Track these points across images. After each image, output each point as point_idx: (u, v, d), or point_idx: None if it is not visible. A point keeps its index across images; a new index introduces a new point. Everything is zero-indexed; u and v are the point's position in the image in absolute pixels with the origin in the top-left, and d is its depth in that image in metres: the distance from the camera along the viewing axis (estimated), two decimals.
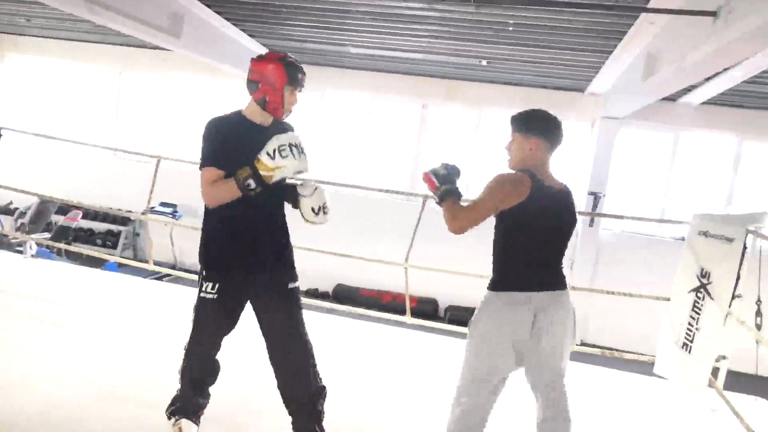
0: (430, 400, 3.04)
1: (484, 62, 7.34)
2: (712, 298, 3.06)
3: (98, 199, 7.25)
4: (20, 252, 5.09)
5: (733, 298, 3.05)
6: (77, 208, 8.14)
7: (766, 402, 3.63)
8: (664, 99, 7.51)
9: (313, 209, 2.23)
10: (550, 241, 2.08)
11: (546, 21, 5.47)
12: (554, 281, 2.07)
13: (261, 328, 2.24)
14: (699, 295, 3.14)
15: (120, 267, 7.00)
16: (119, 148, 6.94)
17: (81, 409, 2.52)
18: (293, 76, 2.13)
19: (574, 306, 2.12)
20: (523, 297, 2.00)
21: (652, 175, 8.64)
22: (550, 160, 2.14)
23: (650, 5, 4.55)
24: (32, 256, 4.77)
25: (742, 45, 3.76)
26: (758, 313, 3.55)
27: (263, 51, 8.64)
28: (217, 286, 2.15)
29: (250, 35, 7.79)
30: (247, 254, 2.17)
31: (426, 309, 8.45)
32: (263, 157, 2.02)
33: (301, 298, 2.32)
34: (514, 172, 2.08)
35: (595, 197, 8.33)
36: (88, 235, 9.69)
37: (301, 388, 2.23)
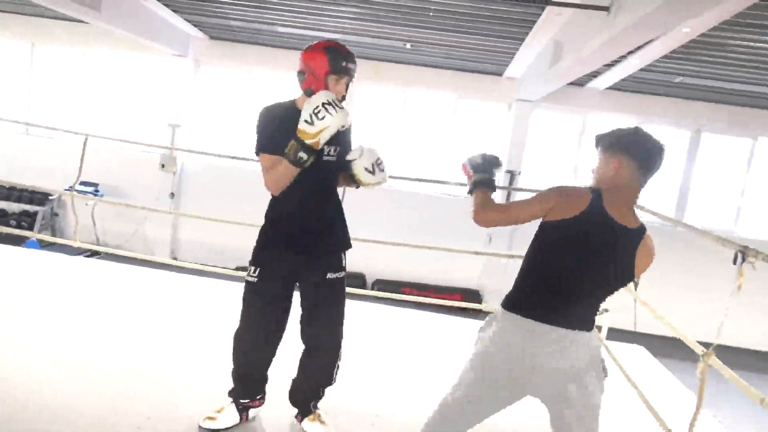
0: (365, 363, 3.34)
1: (408, 45, 7.63)
2: None
3: (10, 179, 6.99)
4: None
5: None
6: None
7: (643, 348, 4.23)
8: (573, 84, 8.15)
9: (366, 169, 2.18)
10: (584, 277, 1.71)
11: (463, 8, 5.82)
12: (572, 320, 1.71)
13: (301, 313, 2.32)
14: None
15: (43, 246, 6.82)
16: (36, 124, 6.70)
17: (30, 380, 2.61)
18: (336, 64, 2.08)
19: (595, 352, 1.75)
20: (525, 324, 1.71)
21: (563, 154, 9.31)
22: (639, 191, 1.76)
23: None
24: None
25: (630, 34, 4.25)
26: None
27: (188, 27, 8.60)
28: (258, 270, 2.22)
29: (174, 10, 7.67)
30: (291, 240, 2.21)
31: (354, 283, 8.78)
32: (302, 125, 2.00)
33: (344, 289, 2.33)
34: (579, 186, 1.77)
35: (512, 175, 8.91)
36: (1, 216, 9.25)
37: (317, 377, 2.33)
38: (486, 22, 6.18)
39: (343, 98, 2.16)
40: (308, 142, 2.00)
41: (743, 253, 2.05)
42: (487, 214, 1.81)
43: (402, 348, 3.62)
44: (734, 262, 2.08)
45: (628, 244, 1.70)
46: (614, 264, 1.70)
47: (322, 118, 1.97)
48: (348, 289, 2.39)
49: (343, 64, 2.09)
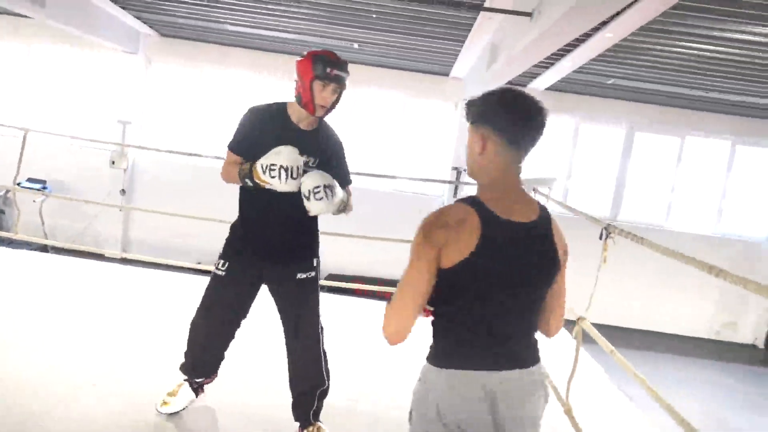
0: None
1: (355, 45, 7.88)
2: None
3: None
4: None
5: None
6: None
7: (564, 329, 4.57)
8: (515, 84, 8.53)
9: (304, 195, 2.10)
10: (515, 305, 1.41)
11: (403, 11, 6.10)
12: (522, 355, 1.45)
13: (280, 317, 2.37)
14: None
15: None
16: None
17: None
18: (320, 70, 2.08)
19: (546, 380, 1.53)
20: (476, 378, 1.38)
21: None
22: (519, 166, 1.42)
23: (486, 4, 5.30)
24: None
25: (548, 38, 4.59)
26: None
27: (137, 24, 8.63)
28: (227, 264, 2.28)
29: (123, 7, 7.70)
30: (259, 242, 2.25)
31: None
32: (257, 167, 2.08)
33: (317, 289, 2.35)
34: (451, 205, 1.40)
35: (458, 171, 9.27)
36: None
37: (303, 376, 2.35)
38: (426, 25, 6.48)
39: (334, 106, 2.19)
40: (256, 181, 2.11)
41: (607, 230, 2.37)
42: (392, 326, 1.39)
43: (355, 335, 3.87)
44: (600, 238, 2.40)
45: (543, 238, 1.42)
46: (550, 267, 1.43)
47: (272, 177, 2.06)
48: None
49: (328, 70, 2.09)
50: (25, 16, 7.68)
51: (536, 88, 8.96)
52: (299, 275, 2.27)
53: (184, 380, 2.48)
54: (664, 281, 8.93)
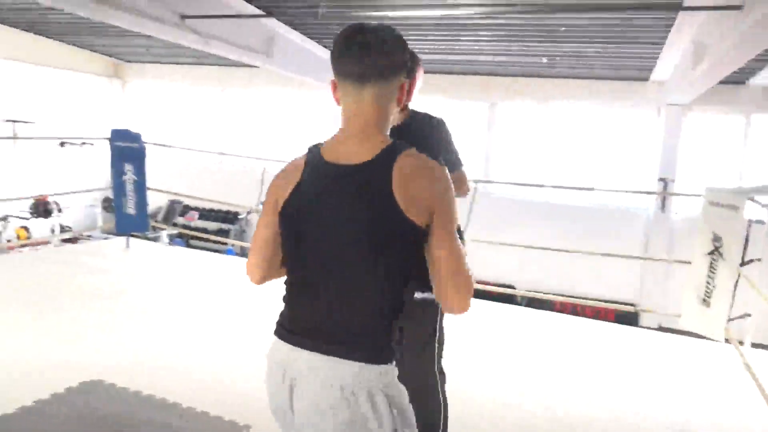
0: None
1: (544, 60, 7.85)
2: (724, 259, 3.55)
3: (208, 202, 8.50)
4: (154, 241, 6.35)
5: (744, 261, 3.52)
6: (194, 209, 9.50)
7: None
8: (732, 83, 7.65)
9: None
10: (332, 265, 1.18)
11: (594, 21, 5.97)
12: (334, 337, 1.16)
13: None
14: (714, 256, 3.63)
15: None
16: (234, 154, 8.12)
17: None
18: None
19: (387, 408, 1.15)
20: (279, 351, 1.23)
21: (724, 159, 8.67)
22: (370, 105, 1.20)
23: (685, 3, 4.96)
24: (169, 243, 6.00)
25: (761, 32, 4.15)
26: None
27: None
28: None
29: (328, 48, 8.73)
30: None
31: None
32: None
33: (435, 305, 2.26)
34: None
35: (665, 183, 8.54)
36: (203, 232, 11.17)
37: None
38: (618, 31, 6.24)
39: None
40: None
41: None
42: (248, 272, 1.34)
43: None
44: None
45: (367, 184, 1.15)
46: (361, 221, 1.14)
47: None
48: None
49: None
50: (253, 66, 9.18)
51: (758, 84, 7.92)
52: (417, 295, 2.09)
53: None
54: None
